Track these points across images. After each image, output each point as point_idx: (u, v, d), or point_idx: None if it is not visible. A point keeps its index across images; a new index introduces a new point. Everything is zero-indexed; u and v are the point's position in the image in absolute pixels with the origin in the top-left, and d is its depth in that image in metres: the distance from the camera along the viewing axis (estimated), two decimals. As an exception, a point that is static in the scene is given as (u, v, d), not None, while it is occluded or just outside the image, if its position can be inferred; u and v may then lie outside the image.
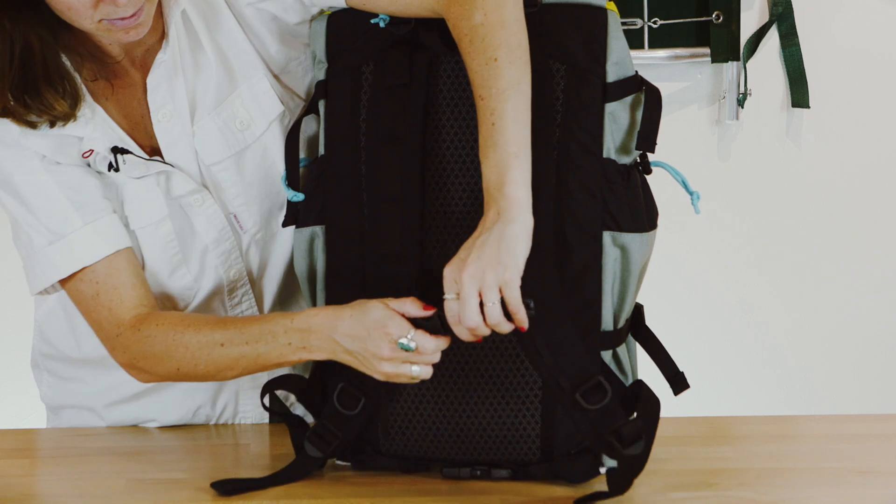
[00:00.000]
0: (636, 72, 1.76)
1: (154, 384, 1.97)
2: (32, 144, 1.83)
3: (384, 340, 1.68)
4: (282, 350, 1.76)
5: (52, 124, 1.81)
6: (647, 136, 1.74)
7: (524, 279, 1.63)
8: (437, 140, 1.75)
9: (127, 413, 2.04)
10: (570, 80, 1.72)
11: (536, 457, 1.75)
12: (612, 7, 1.74)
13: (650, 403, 1.72)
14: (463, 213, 1.75)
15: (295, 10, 1.85)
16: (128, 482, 1.81)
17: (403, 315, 1.68)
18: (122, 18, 1.72)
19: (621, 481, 1.69)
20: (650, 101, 1.74)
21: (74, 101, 1.81)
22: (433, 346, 1.69)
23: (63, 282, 1.88)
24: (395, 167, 1.75)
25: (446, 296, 1.64)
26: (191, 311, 1.95)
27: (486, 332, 1.64)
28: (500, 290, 1.61)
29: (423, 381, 1.73)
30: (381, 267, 1.76)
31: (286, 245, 1.96)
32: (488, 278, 1.61)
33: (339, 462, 1.83)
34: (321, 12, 1.85)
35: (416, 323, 1.68)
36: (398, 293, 1.71)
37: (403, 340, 1.68)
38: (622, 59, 1.74)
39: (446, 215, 1.75)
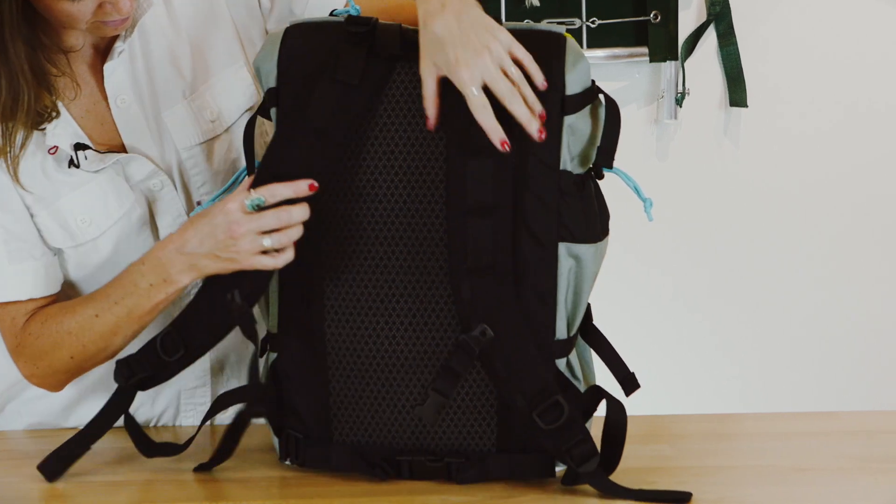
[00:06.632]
0: (593, 81, 1.75)
1: (83, 394, 1.98)
2: None
3: (229, 217, 1.70)
4: (148, 294, 1.79)
5: (38, 123, 1.82)
6: (607, 151, 1.74)
7: (479, 300, 1.66)
8: (368, 142, 1.74)
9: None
10: None
11: (493, 445, 1.74)
12: (568, 36, 1.74)
13: (614, 409, 1.73)
14: (373, 218, 1.73)
15: None
16: (65, 485, 1.80)
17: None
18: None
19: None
20: (610, 115, 1.74)
21: (50, 93, 1.83)
22: (283, 190, 1.69)
23: None
24: (313, 154, 1.73)
25: (469, 90, 1.65)
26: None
27: (520, 105, 1.66)
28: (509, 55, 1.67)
29: (379, 371, 1.73)
30: None
31: None
32: (494, 49, 1.65)
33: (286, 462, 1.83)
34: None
35: None
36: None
37: (248, 201, 1.69)
38: (582, 76, 1.73)
39: (351, 215, 1.74)
